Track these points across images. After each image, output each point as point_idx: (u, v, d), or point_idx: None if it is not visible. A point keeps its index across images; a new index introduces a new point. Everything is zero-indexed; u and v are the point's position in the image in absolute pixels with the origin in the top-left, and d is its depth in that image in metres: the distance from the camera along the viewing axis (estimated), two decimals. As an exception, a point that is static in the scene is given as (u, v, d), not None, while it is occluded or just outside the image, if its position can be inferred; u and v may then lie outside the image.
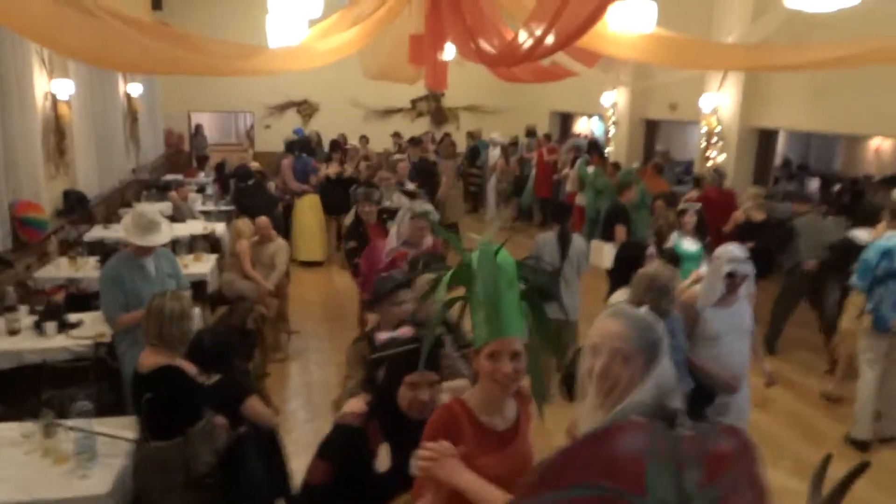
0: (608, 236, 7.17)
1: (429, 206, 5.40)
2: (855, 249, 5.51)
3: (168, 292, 3.20)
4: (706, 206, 7.05)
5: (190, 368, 3.16)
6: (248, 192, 8.54)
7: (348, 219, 6.74)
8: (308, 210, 9.79)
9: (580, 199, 10.61)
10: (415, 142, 12.13)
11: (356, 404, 2.40)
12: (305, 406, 5.55)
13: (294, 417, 5.31)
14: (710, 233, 6.66)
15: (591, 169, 10.53)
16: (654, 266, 3.64)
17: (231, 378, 3.46)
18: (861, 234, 5.92)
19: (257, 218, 6.44)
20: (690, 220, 5.97)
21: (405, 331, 2.82)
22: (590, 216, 10.09)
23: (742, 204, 7.52)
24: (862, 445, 5.10)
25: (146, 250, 4.06)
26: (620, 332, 1.70)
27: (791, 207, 7.74)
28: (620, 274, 4.59)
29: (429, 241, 4.94)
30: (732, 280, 3.75)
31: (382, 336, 2.84)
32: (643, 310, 1.83)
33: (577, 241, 5.76)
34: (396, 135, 13.77)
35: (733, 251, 3.79)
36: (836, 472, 4.13)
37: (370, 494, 2.20)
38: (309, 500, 2.30)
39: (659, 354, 1.68)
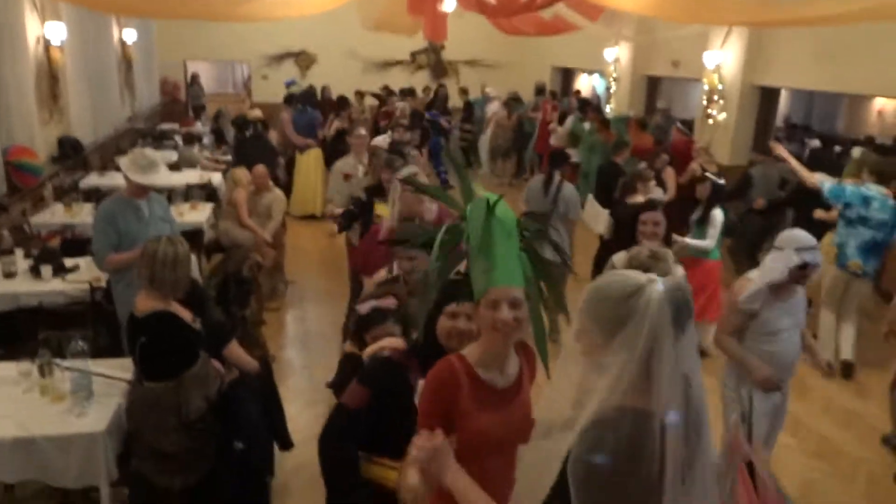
0: (603, 198, 7.07)
1: (413, 169, 4.58)
2: (816, 194, 5.82)
3: (164, 237, 3.19)
4: (675, 155, 7.46)
5: (184, 313, 3.17)
6: (248, 142, 8.44)
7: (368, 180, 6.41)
8: (312, 164, 9.69)
9: (574, 156, 10.61)
10: (407, 92, 11.95)
11: (394, 340, 2.37)
12: (301, 354, 5.61)
13: (290, 365, 5.37)
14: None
15: (587, 125, 10.53)
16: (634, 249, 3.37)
17: (209, 323, 3.42)
18: (825, 180, 6.14)
19: (254, 167, 6.40)
20: (705, 189, 5.67)
21: (389, 301, 2.75)
22: (584, 171, 10.19)
23: (697, 157, 7.65)
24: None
25: (142, 191, 4.05)
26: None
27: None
28: (627, 236, 4.53)
29: (432, 211, 4.26)
30: (804, 272, 3.25)
31: (364, 307, 2.76)
32: (633, 279, 1.57)
33: (567, 188, 5.77)
34: (385, 88, 13.55)
35: (801, 237, 3.28)
36: (817, 423, 4.09)
37: (408, 429, 2.15)
38: (344, 422, 2.28)
39: (619, 324, 1.49)
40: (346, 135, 9.47)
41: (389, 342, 2.39)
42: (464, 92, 13.77)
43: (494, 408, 1.92)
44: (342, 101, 10.84)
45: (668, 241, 3.95)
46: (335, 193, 6.08)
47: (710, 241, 5.53)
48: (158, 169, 4.07)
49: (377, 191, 4.97)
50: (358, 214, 5.07)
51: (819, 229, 6.20)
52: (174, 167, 8.56)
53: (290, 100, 10.30)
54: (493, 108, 13.06)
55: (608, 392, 1.49)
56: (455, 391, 1.88)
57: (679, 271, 3.34)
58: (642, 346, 1.47)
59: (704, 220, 5.59)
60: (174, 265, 3.03)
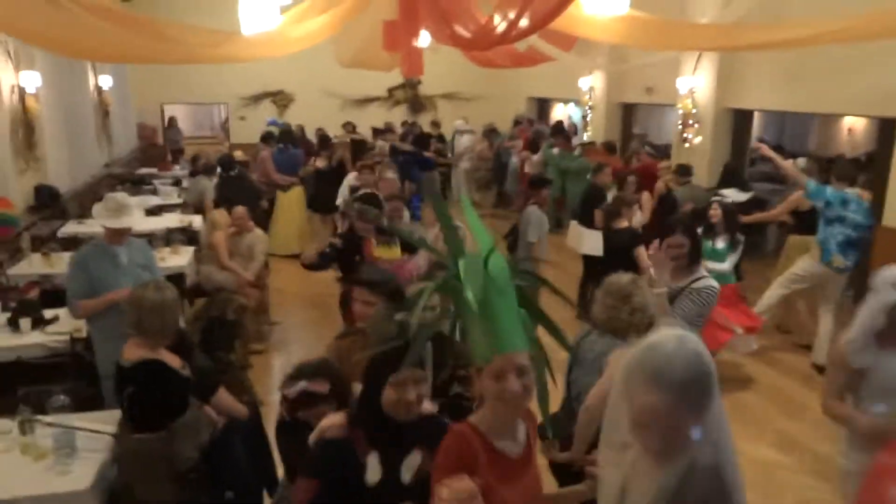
0: (586, 221, 7.21)
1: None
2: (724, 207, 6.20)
3: (151, 283, 3.14)
4: (644, 176, 7.78)
5: (174, 361, 3.11)
6: (232, 183, 8.35)
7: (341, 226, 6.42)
8: (295, 202, 9.64)
9: None
10: (383, 131, 11.93)
11: (334, 417, 2.22)
12: (289, 396, 5.50)
13: (278, 408, 5.26)
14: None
15: (556, 151, 10.72)
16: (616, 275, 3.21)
17: (195, 371, 3.33)
18: (730, 193, 6.86)
19: (234, 208, 6.36)
20: (716, 213, 5.76)
21: (321, 386, 2.57)
22: (553, 196, 10.37)
23: (662, 176, 8.04)
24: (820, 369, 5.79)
25: (118, 237, 4.01)
26: (667, 409, 1.47)
27: (768, 187, 8.35)
28: (615, 262, 4.57)
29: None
30: None
31: (293, 390, 2.59)
32: (674, 348, 1.52)
33: (528, 210, 5.91)
34: (348, 124, 13.54)
35: None
36: (812, 441, 4.06)
37: None
38: None
39: (711, 395, 1.51)
40: (327, 175, 9.40)
41: (329, 420, 2.22)
42: (435, 125, 13.83)
43: (514, 479, 1.78)
44: (324, 140, 10.71)
45: (693, 260, 3.86)
46: None
47: (728, 264, 5.71)
48: (129, 212, 4.04)
49: (352, 240, 5.11)
50: (333, 259, 5.20)
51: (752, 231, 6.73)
52: (153, 212, 8.51)
53: (267, 138, 10.28)
54: (465, 141, 13.15)
55: (695, 454, 1.50)
56: (473, 465, 1.72)
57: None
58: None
59: (734, 245, 5.76)
60: (161, 311, 2.98)
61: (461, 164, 13.02)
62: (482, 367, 1.73)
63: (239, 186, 8.07)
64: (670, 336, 1.53)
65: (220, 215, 6.46)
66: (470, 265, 1.75)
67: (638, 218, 6.82)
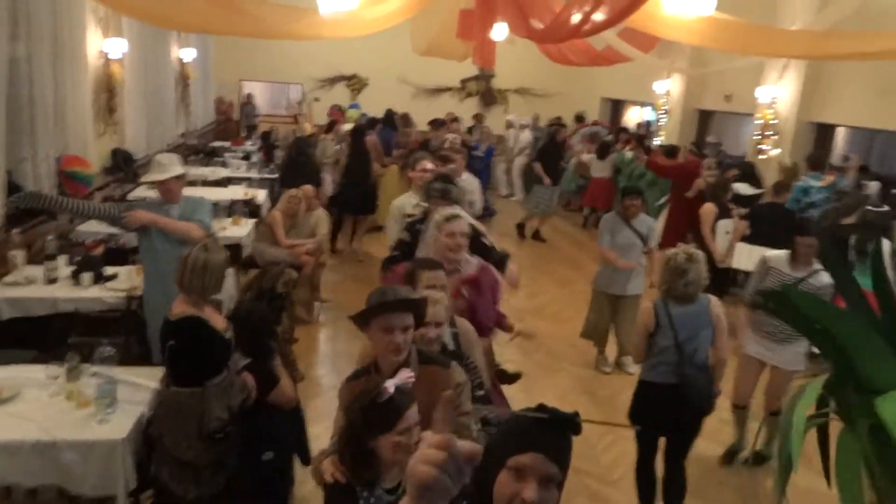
0: (772, 241, 6.44)
1: (457, 210, 3.70)
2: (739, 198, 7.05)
3: (202, 244, 3.18)
4: (683, 174, 8.19)
5: (217, 321, 3.15)
6: (294, 165, 8.40)
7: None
8: (392, 180, 9.68)
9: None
10: (437, 123, 11.80)
11: None
12: (331, 373, 5.55)
13: (319, 384, 5.32)
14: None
15: (629, 154, 10.46)
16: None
17: (263, 369, 3.28)
18: (741, 187, 7.69)
19: (303, 186, 6.47)
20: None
21: (406, 376, 2.13)
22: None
23: (704, 175, 8.06)
24: None
25: (169, 194, 4.11)
26: None
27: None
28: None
29: (471, 264, 3.52)
30: None
31: (389, 386, 2.06)
32: None
33: (605, 218, 6.01)
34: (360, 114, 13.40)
35: None
36: None
37: None
38: None
39: None
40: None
41: None
42: (478, 118, 13.59)
43: None
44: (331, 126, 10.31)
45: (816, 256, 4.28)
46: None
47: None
48: (165, 168, 4.09)
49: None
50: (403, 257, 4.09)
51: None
52: (220, 183, 8.74)
53: (373, 123, 10.41)
54: (526, 136, 12.92)
55: None
56: None
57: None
58: None
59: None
60: (203, 271, 3.03)
61: (517, 161, 12.84)
62: None
63: (298, 169, 8.12)
64: None
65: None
66: None
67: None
